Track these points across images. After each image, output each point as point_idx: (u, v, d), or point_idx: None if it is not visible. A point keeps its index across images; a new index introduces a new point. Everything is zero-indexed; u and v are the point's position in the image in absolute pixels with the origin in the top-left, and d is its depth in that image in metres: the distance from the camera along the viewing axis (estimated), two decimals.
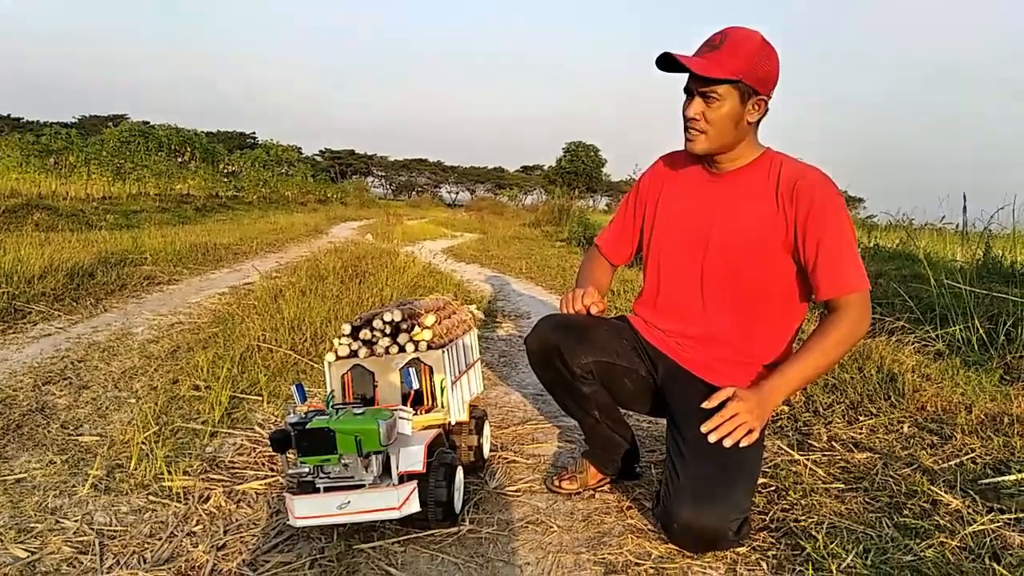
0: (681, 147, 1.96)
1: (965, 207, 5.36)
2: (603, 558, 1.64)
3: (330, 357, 1.96)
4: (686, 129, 1.74)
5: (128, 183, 18.00)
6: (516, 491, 2.02)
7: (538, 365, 1.91)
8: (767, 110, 1.72)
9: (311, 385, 2.93)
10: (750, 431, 1.58)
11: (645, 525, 1.82)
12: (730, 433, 1.57)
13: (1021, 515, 1.75)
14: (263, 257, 8.05)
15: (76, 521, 1.77)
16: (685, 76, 1.70)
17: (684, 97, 1.74)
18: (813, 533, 1.69)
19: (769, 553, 1.65)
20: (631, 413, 2.36)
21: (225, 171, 28.11)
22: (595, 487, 2.03)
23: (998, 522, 1.71)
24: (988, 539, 1.63)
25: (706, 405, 1.63)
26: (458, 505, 1.78)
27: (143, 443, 2.21)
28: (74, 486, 1.96)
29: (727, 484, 1.57)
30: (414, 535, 1.72)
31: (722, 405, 1.61)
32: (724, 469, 1.58)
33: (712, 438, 1.58)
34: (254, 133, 61.45)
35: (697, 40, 1.72)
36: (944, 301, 3.79)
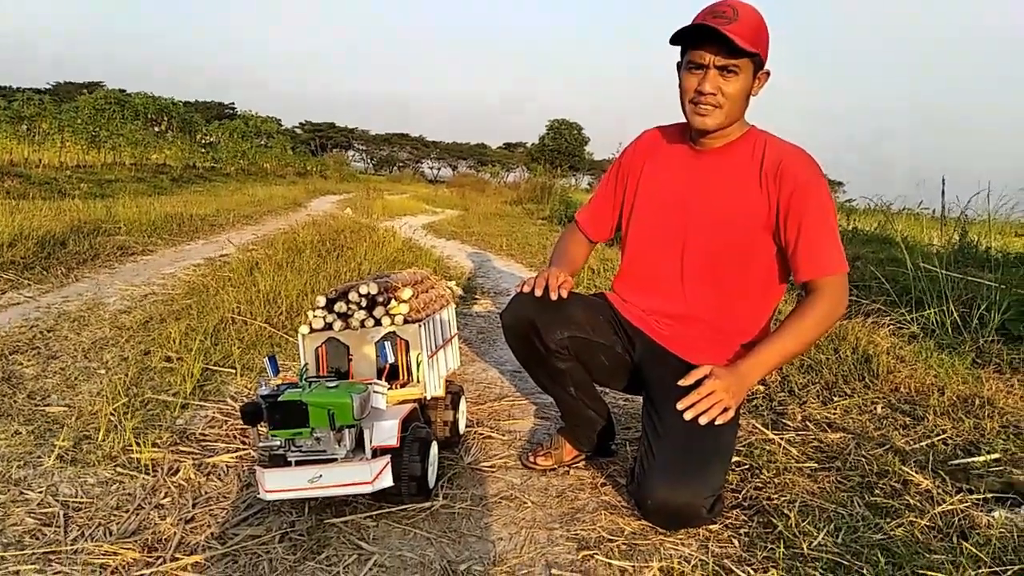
0: (664, 123, 1.94)
1: (944, 191, 5.40)
2: (576, 534, 1.64)
3: (304, 329, 1.92)
4: (696, 104, 1.68)
5: (103, 152, 17.65)
6: (491, 467, 2.01)
7: (513, 340, 1.89)
8: (766, 82, 1.72)
9: (285, 359, 2.90)
10: (726, 409, 1.58)
11: (619, 502, 1.82)
12: (706, 411, 1.57)
13: (989, 495, 1.77)
14: (240, 229, 7.95)
15: (40, 492, 1.74)
16: (678, 57, 1.68)
17: (684, 73, 1.69)
18: (785, 511, 1.70)
19: (741, 531, 1.66)
20: (607, 390, 2.36)
21: (203, 142, 27.66)
22: (570, 463, 2.02)
23: (967, 502, 1.72)
24: (957, 519, 1.64)
25: (683, 382, 1.62)
26: (432, 480, 1.77)
27: (112, 414, 2.17)
28: (39, 457, 1.92)
29: (701, 462, 1.57)
30: (387, 510, 1.71)
31: (698, 383, 1.61)
32: (699, 448, 1.58)
33: (688, 415, 1.57)
34: (233, 103, 60.45)
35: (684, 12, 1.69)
36: (920, 285, 3.83)
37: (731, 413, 1.60)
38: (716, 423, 1.57)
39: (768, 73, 1.71)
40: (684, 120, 1.79)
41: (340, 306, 1.95)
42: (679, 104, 1.75)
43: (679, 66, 1.73)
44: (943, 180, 5.18)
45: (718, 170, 1.77)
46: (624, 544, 1.60)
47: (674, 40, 1.68)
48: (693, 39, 1.64)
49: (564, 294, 1.76)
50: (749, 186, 1.71)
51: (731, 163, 1.75)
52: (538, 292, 1.76)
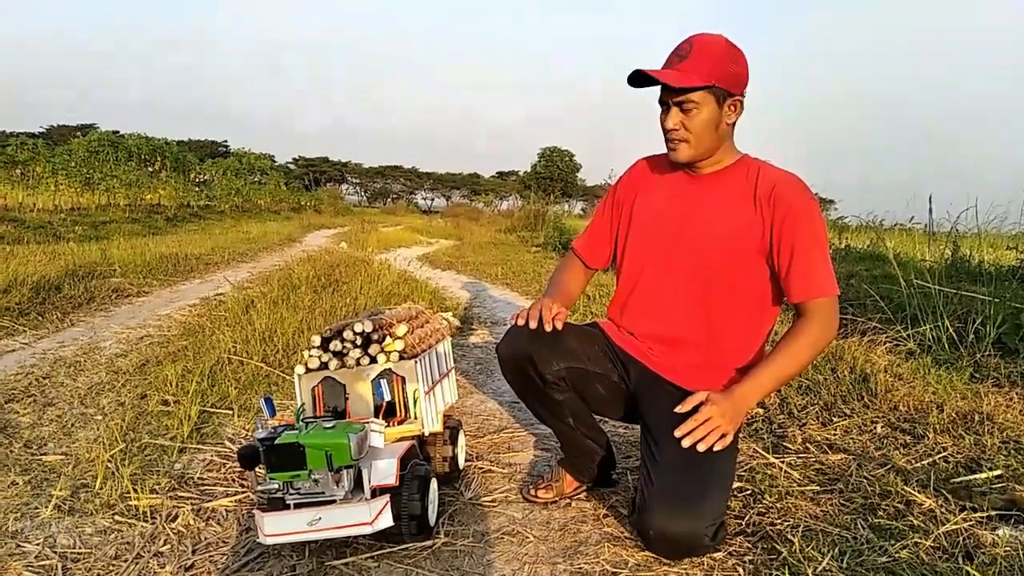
0: (658, 151, 1.97)
1: (931, 209, 5.43)
2: (579, 568, 1.62)
3: (299, 370, 1.92)
4: (667, 140, 1.75)
5: (97, 193, 17.70)
6: (492, 501, 2.00)
7: (510, 373, 1.89)
8: (743, 109, 1.74)
9: (283, 398, 2.89)
10: (723, 435, 1.58)
11: (622, 533, 1.80)
12: (703, 438, 1.57)
13: (993, 513, 1.76)
14: (235, 267, 7.95)
15: (38, 545, 1.72)
16: (659, 89, 1.71)
17: (660, 109, 1.75)
18: (789, 536, 1.69)
19: (746, 558, 1.64)
20: (606, 419, 2.35)
21: (197, 180, 27.77)
22: (571, 495, 2.01)
23: (970, 521, 1.72)
24: (961, 538, 1.63)
25: (679, 409, 1.62)
26: (432, 518, 1.76)
27: (109, 461, 2.16)
28: (36, 508, 1.91)
29: (702, 490, 1.56)
30: (388, 549, 1.69)
31: (695, 410, 1.61)
32: (699, 475, 1.58)
33: (686, 443, 1.57)
34: (226, 141, 60.84)
35: (661, 51, 1.73)
36: (914, 301, 3.84)
37: (729, 439, 1.59)
38: (714, 449, 1.57)
39: (741, 100, 1.72)
40: None
41: (335, 345, 1.95)
42: None
43: None
44: (930, 198, 5.21)
45: (711, 194, 1.79)
46: None
47: (630, 81, 1.72)
48: (634, 83, 1.71)
49: (559, 325, 1.76)
50: (743, 209, 1.73)
51: (724, 187, 1.77)
52: (532, 324, 1.75)
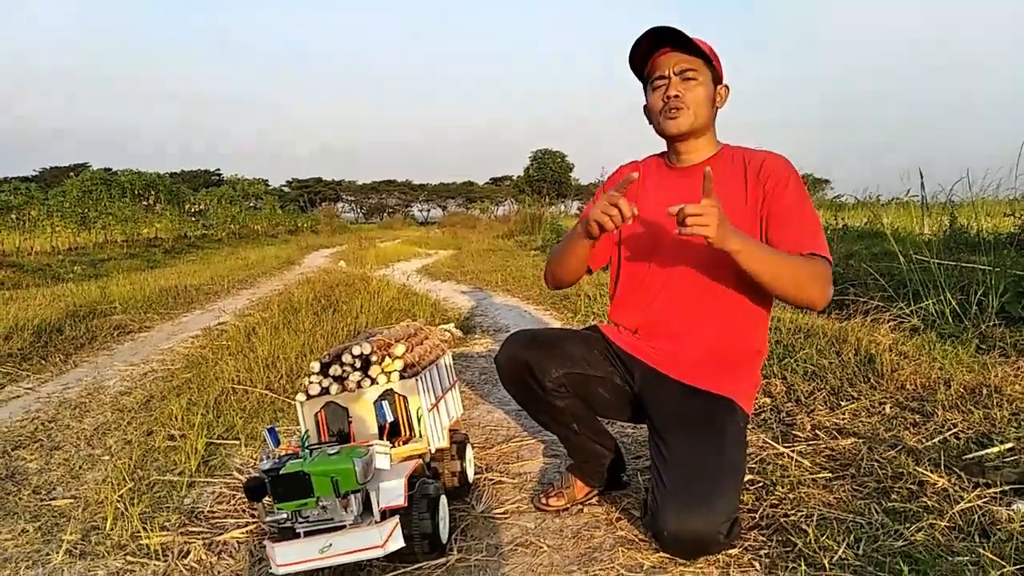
0: (640, 157, 1.99)
1: (923, 183, 5.42)
2: (595, 575, 1.61)
3: (301, 397, 1.92)
4: (666, 111, 1.77)
5: (94, 232, 17.74)
6: (503, 513, 1.99)
7: (509, 382, 1.89)
8: (727, 99, 1.83)
9: (288, 423, 2.88)
10: (706, 226, 1.48)
11: (636, 536, 1.79)
12: (693, 217, 1.48)
13: (1007, 487, 1.75)
14: (235, 295, 7.95)
15: None
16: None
17: (650, 92, 1.81)
18: (803, 527, 1.67)
19: (761, 552, 1.63)
20: (613, 421, 2.34)
21: (192, 211, 27.79)
22: (583, 501, 2.00)
23: (984, 497, 1.71)
24: (976, 516, 1.62)
25: (671, 210, 1.51)
26: (444, 535, 1.75)
27: (118, 501, 2.15)
28: (48, 554, 1.90)
29: (713, 487, 1.55)
30: (402, 570, 1.69)
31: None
32: (709, 472, 1.56)
33: (671, 209, 1.50)
34: (219, 170, 61.04)
35: None
36: (915, 276, 3.82)
37: (709, 232, 1.48)
38: (691, 233, 1.49)
39: (727, 88, 1.83)
40: (659, 152, 1.94)
41: (335, 369, 1.94)
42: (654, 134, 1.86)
43: (646, 108, 1.86)
44: (920, 172, 5.19)
45: (699, 184, 1.77)
46: None
47: (633, 54, 1.79)
48: (651, 42, 1.75)
49: (635, 210, 1.62)
50: (735, 196, 1.74)
51: (714, 175, 1.77)
52: (608, 213, 1.62)
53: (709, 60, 1.75)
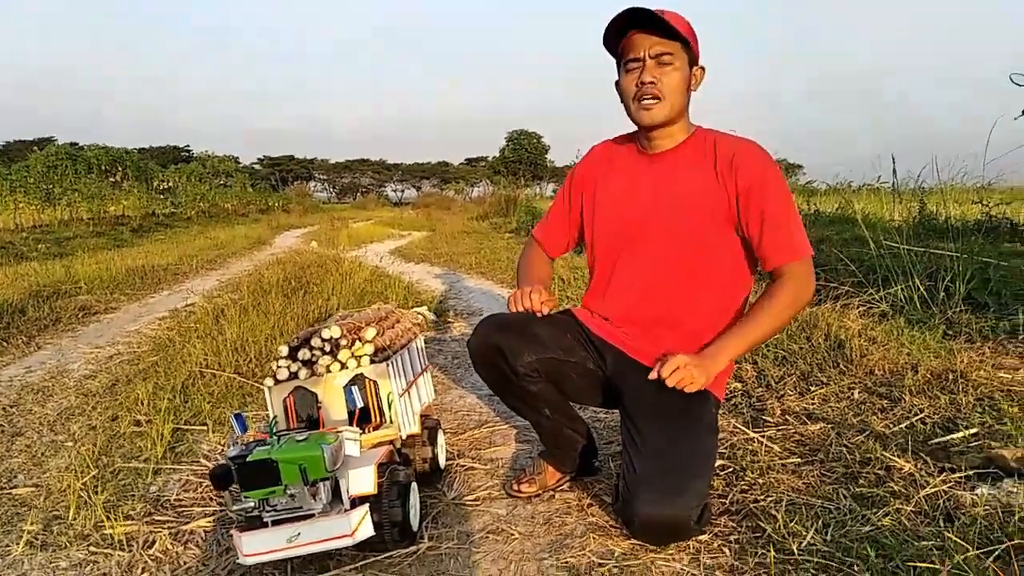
0: (611, 136, 1.96)
1: (895, 170, 5.48)
2: (566, 562, 1.61)
3: (269, 382, 1.88)
4: (640, 99, 1.71)
5: (59, 209, 17.34)
6: (475, 500, 1.98)
7: (482, 367, 1.87)
8: (702, 81, 1.78)
9: (258, 409, 2.84)
10: (694, 382, 1.59)
11: (607, 522, 1.79)
12: (674, 376, 1.59)
13: (971, 472, 1.77)
14: (204, 275, 7.83)
15: None
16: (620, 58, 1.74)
17: (624, 74, 1.74)
18: (773, 512, 1.69)
19: (731, 538, 1.64)
20: (585, 407, 2.34)
21: (160, 188, 27.27)
22: (555, 487, 2.00)
23: (950, 482, 1.73)
24: (941, 501, 1.65)
25: (651, 376, 1.62)
26: (415, 522, 1.73)
27: (82, 490, 2.10)
28: (7, 545, 1.85)
29: (685, 473, 1.55)
30: (372, 559, 1.67)
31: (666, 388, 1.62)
32: (681, 458, 1.56)
33: (651, 375, 1.61)
34: (188, 146, 59.96)
35: None
36: (885, 262, 3.87)
37: (700, 385, 1.60)
38: (685, 390, 1.59)
39: (703, 69, 1.77)
40: (630, 131, 1.87)
41: (304, 353, 1.91)
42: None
43: (617, 84, 1.79)
44: (892, 157, 5.26)
45: (672, 171, 1.77)
46: (615, 567, 1.57)
47: (608, 34, 1.73)
48: (627, 23, 1.68)
49: (545, 310, 1.80)
50: (706, 182, 1.72)
51: (684, 163, 1.76)
52: (519, 308, 1.80)
53: (687, 42, 1.68)
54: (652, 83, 1.68)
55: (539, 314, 1.81)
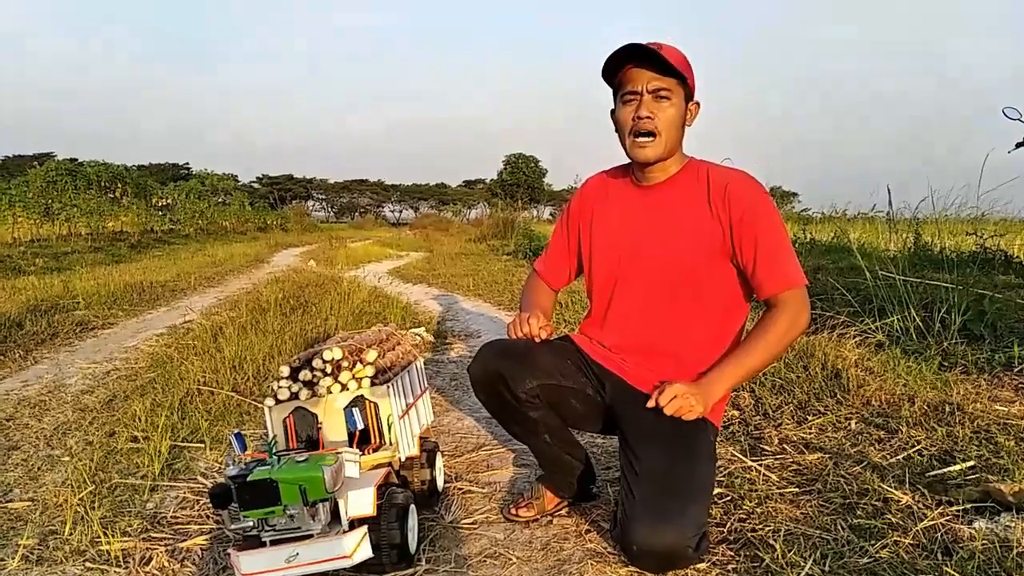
0: (605, 168, 2.00)
1: (890, 200, 5.53)
2: None
3: (269, 402, 1.89)
4: (635, 136, 1.73)
5: (57, 224, 17.36)
6: (472, 523, 1.97)
7: (483, 393, 1.88)
8: (696, 116, 1.81)
9: (255, 427, 2.84)
10: (691, 410, 1.63)
11: (605, 548, 1.79)
12: (672, 404, 1.63)
13: (968, 505, 1.78)
14: (202, 293, 7.83)
15: None
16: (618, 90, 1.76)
17: (620, 106, 1.76)
18: (771, 542, 1.69)
19: (729, 567, 1.64)
20: (584, 432, 2.34)
21: (159, 205, 27.35)
22: (553, 512, 2.00)
23: (947, 515, 1.74)
24: (939, 534, 1.65)
25: (649, 404, 1.66)
26: (413, 545, 1.73)
27: (78, 505, 2.10)
28: (2, 559, 1.84)
29: (684, 500, 1.55)
30: None
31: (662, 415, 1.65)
32: (679, 485, 1.57)
33: (650, 404, 1.65)
34: (187, 164, 60.16)
35: None
36: (880, 292, 3.89)
37: (697, 413, 1.64)
38: (684, 418, 1.63)
39: (699, 104, 1.81)
40: (624, 162, 1.91)
41: (305, 374, 1.92)
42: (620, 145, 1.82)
43: (613, 114, 1.81)
44: (888, 188, 5.31)
45: (666, 204, 1.80)
46: None
47: (607, 66, 1.75)
48: (626, 57, 1.71)
49: (543, 335, 1.84)
50: (699, 214, 1.75)
51: (678, 195, 1.79)
52: (518, 334, 1.84)
53: (683, 78, 1.71)
54: (649, 118, 1.71)
55: (537, 339, 1.83)
